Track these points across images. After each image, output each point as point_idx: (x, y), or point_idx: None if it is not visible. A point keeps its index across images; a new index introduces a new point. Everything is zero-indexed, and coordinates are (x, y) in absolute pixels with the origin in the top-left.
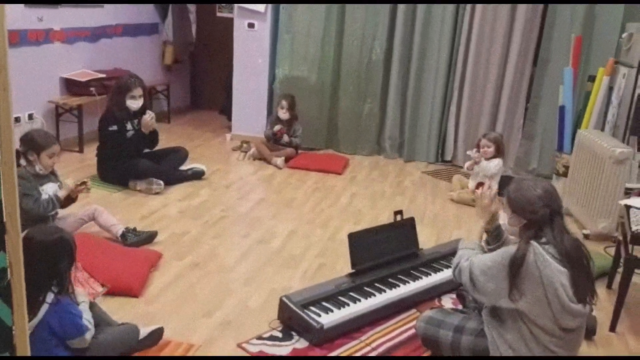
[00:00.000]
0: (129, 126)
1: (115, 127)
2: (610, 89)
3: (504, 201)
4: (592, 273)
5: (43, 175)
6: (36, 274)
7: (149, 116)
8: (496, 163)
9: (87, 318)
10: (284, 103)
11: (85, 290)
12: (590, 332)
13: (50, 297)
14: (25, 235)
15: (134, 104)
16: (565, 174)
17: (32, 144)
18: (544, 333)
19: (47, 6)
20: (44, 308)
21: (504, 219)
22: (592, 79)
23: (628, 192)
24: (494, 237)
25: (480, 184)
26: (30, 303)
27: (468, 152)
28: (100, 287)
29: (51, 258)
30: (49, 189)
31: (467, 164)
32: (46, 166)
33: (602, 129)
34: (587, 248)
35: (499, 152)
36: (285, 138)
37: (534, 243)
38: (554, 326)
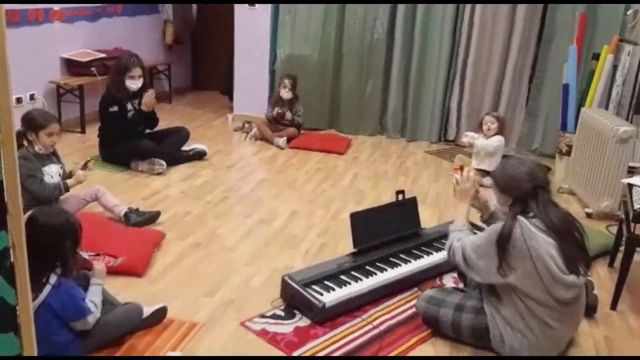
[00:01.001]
0: (129, 106)
1: (115, 108)
2: (615, 67)
3: (492, 182)
4: (584, 245)
5: (45, 156)
6: (40, 255)
7: (152, 93)
8: (496, 140)
9: (94, 301)
10: (287, 82)
11: (102, 265)
12: (591, 310)
13: (53, 278)
14: (29, 216)
15: (133, 84)
16: (568, 153)
17: (30, 123)
18: (539, 306)
19: None
20: (46, 289)
21: (492, 198)
22: (596, 56)
23: (631, 171)
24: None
25: (460, 168)
26: (33, 284)
27: (466, 134)
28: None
29: (55, 240)
30: (51, 171)
31: (461, 139)
32: (45, 145)
33: (606, 108)
34: (581, 222)
35: (501, 130)
36: (288, 115)
37: (520, 217)
38: (548, 298)
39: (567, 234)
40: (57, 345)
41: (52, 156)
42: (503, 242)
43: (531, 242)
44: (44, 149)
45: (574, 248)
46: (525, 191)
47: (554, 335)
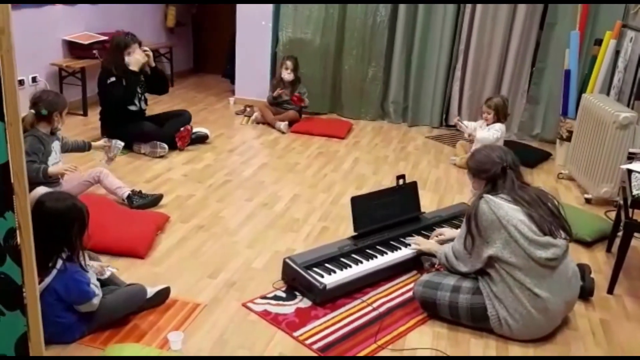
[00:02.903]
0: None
1: (113, 79)
2: (617, 53)
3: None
4: (558, 211)
5: (53, 134)
6: (47, 239)
7: (140, 56)
8: (495, 130)
9: (95, 283)
10: (289, 64)
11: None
12: (588, 293)
13: (59, 263)
14: (37, 201)
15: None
16: (568, 139)
17: (57, 105)
18: (524, 274)
19: None
20: (53, 273)
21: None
22: (598, 42)
23: (631, 157)
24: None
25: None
26: (40, 268)
27: (467, 125)
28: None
29: (62, 224)
30: (56, 147)
31: (466, 134)
32: (63, 124)
33: (608, 94)
34: (579, 207)
35: (500, 118)
36: (285, 96)
37: (484, 195)
38: (530, 263)
39: (536, 204)
40: (62, 327)
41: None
42: (471, 220)
43: (499, 212)
44: (57, 127)
45: (545, 214)
46: (494, 172)
47: (544, 306)
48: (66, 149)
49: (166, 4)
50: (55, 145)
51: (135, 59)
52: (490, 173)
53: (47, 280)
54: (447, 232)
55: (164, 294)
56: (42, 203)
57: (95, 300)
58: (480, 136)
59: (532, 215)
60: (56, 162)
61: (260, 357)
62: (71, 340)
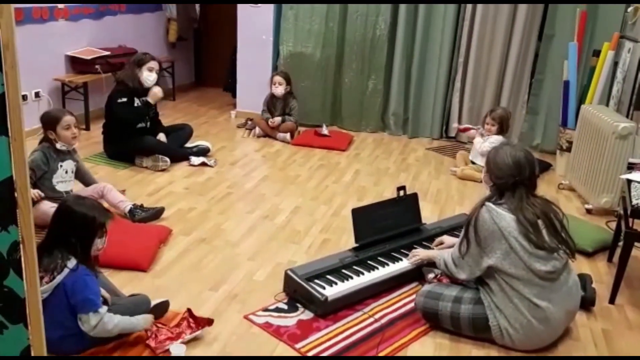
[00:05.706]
0: (137, 102)
1: (124, 99)
2: (615, 63)
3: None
4: (562, 227)
5: (66, 152)
6: (64, 240)
7: (159, 90)
8: (492, 141)
9: (104, 309)
10: (277, 79)
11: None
12: (589, 303)
13: (71, 261)
14: (66, 206)
15: (150, 76)
16: (568, 149)
17: (47, 121)
18: (524, 285)
19: None
20: (64, 272)
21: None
22: (596, 53)
23: (631, 167)
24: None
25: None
26: (52, 267)
27: (454, 125)
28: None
29: (87, 229)
30: (67, 167)
31: (461, 128)
32: (66, 139)
33: (607, 104)
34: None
35: (502, 130)
36: (277, 120)
37: (487, 203)
38: (529, 274)
39: (538, 225)
40: (66, 331)
41: (73, 152)
42: (472, 227)
43: (501, 223)
44: (66, 144)
45: (548, 235)
46: (504, 183)
47: (544, 316)
48: (79, 177)
49: (168, 19)
50: (67, 164)
51: (154, 92)
52: (499, 181)
53: (59, 278)
54: (447, 239)
55: (162, 307)
56: (68, 206)
57: (93, 321)
58: (478, 147)
59: (530, 237)
60: (63, 180)
61: (259, 357)
62: (74, 350)
